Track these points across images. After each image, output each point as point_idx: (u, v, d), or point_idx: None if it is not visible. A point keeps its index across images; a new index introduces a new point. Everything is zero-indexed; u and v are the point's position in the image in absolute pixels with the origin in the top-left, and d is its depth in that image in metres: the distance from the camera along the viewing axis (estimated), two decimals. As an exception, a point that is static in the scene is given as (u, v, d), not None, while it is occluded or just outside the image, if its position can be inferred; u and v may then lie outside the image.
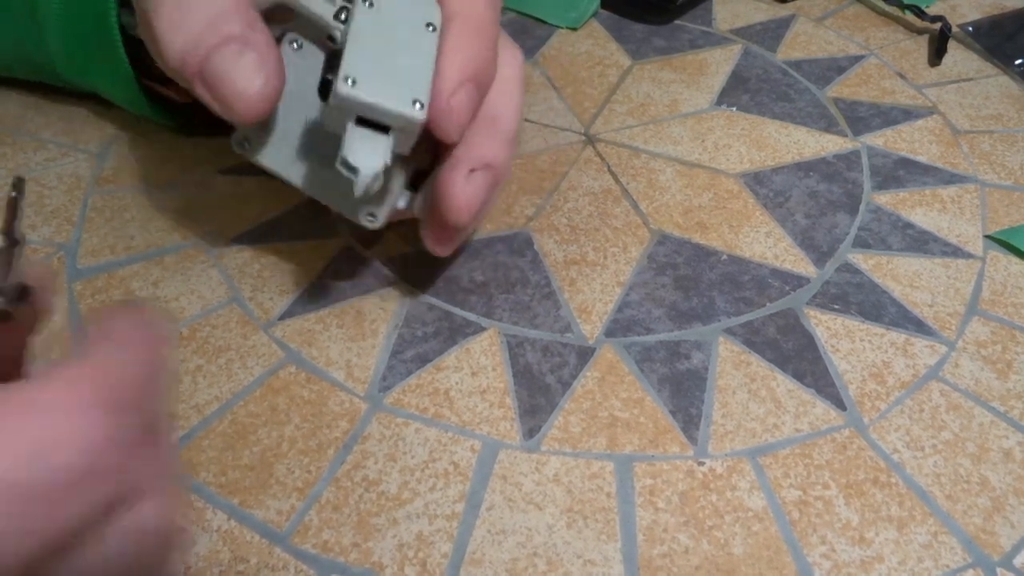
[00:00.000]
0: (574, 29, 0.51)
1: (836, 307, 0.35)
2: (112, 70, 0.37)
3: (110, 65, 0.37)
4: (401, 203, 0.31)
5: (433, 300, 0.35)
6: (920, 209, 0.40)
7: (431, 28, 0.27)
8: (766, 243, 0.38)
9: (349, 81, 0.26)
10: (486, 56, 0.29)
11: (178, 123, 0.40)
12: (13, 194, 0.19)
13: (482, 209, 0.30)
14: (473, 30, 0.28)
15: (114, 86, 0.38)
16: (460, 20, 0.28)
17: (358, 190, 0.26)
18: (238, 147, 0.29)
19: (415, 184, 0.31)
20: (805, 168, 0.42)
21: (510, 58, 0.31)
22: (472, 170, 0.29)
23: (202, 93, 0.27)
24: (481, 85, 0.28)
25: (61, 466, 0.16)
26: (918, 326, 0.35)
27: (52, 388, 0.16)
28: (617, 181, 0.41)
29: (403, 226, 0.37)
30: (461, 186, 0.29)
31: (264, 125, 0.29)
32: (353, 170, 0.26)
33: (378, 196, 0.30)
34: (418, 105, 0.26)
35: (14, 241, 0.18)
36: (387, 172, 0.27)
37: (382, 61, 0.26)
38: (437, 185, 0.29)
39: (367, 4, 0.27)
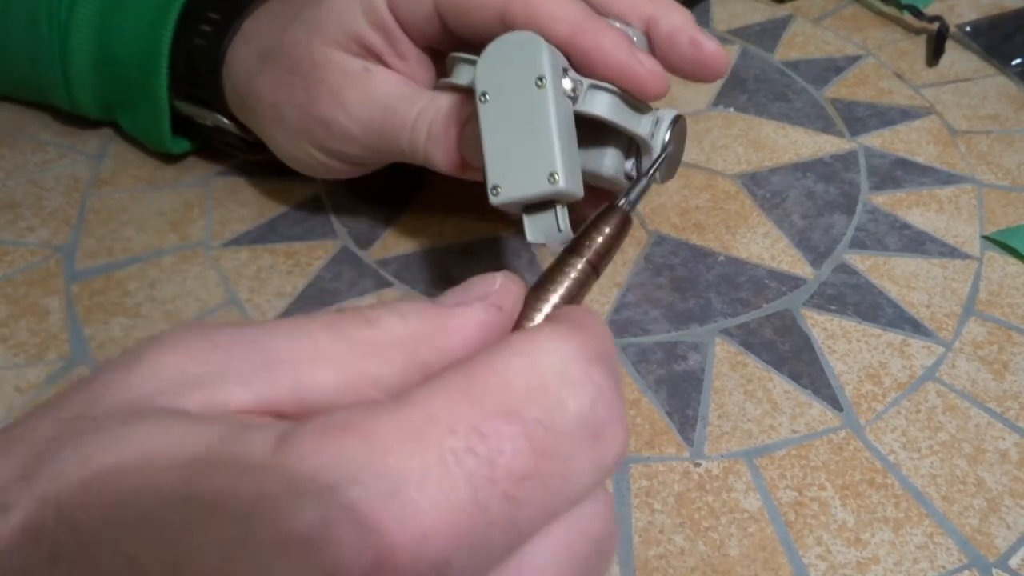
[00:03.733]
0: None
1: (833, 308, 0.35)
2: (157, 136, 0.38)
3: (155, 134, 0.38)
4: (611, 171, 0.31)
5: (430, 301, 0.35)
6: (917, 209, 0.40)
7: (540, 83, 0.26)
8: (763, 244, 0.38)
9: (494, 191, 0.27)
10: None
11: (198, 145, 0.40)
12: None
13: None
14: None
15: (154, 143, 0.39)
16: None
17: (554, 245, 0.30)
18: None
19: None
20: (802, 169, 0.42)
21: None
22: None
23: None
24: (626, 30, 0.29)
25: (572, 412, 0.15)
26: (915, 327, 0.35)
27: (550, 332, 0.16)
28: (614, 182, 0.41)
29: (404, 226, 0.37)
30: (704, 38, 0.31)
31: None
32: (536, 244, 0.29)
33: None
34: (554, 177, 0.26)
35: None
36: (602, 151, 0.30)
37: (511, 152, 0.27)
38: (685, 44, 0.31)
39: (482, 99, 0.27)
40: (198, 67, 0.35)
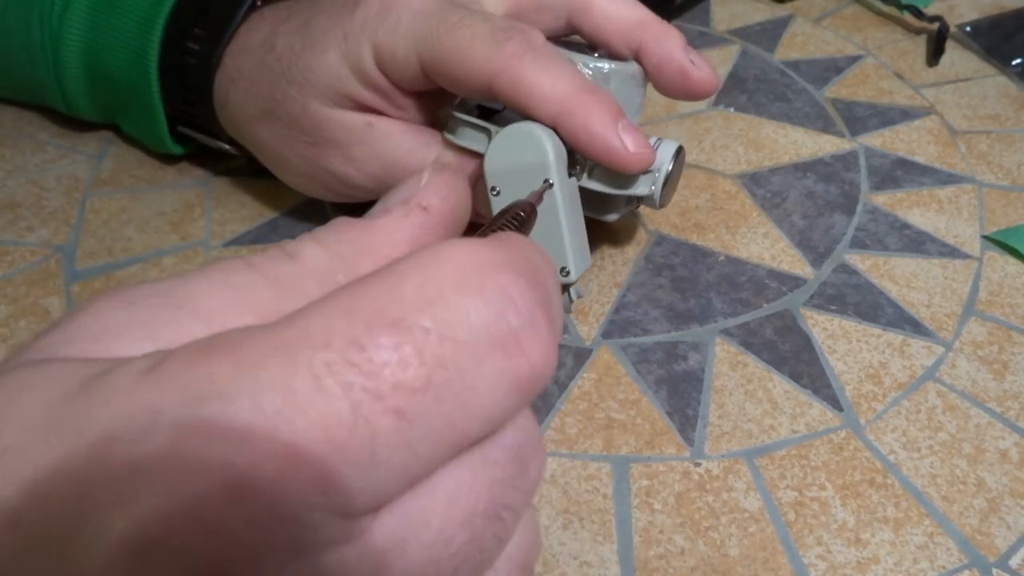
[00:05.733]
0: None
1: (833, 308, 0.35)
2: (156, 140, 0.38)
3: (153, 137, 0.38)
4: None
5: (430, 301, 0.35)
6: (917, 209, 0.40)
7: (547, 182, 0.28)
8: (763, 244, 0.38)
9: None
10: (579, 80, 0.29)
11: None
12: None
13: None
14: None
15: (154, 145, 0.39)
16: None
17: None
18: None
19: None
20: (802, 169, 0.42)
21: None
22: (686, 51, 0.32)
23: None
24: (615, 110, 0.28)
25: (474, 321, 0.13)
26: (915, 327, 0.35)
27: (457, 242, 0.14)
28: (614, 182, 0.41)
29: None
30: (692, 66, 0.31)
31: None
32: None
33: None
34: (565, 271, 0.29)
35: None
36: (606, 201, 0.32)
37: None
38: (673, 73, 0.31)
39: (495, 194, 0.28)
40: (189, 96, 0.35)
